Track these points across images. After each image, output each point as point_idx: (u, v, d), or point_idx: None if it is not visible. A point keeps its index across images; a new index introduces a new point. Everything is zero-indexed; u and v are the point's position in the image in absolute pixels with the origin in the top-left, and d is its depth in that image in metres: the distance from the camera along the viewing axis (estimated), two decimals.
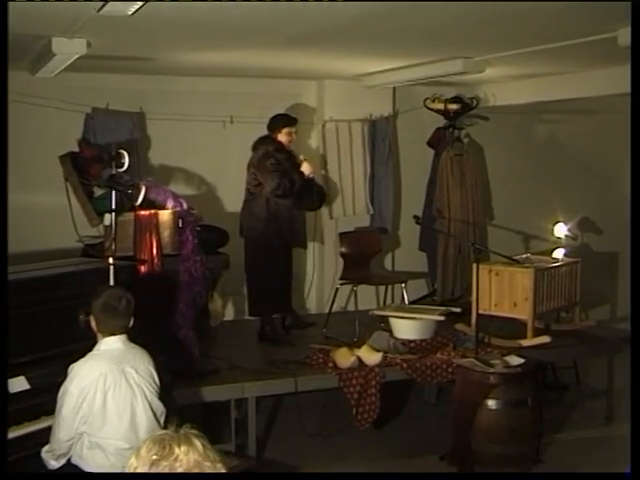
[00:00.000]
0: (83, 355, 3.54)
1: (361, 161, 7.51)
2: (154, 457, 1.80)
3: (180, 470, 1.79)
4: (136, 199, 4.65)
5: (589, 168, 8.43)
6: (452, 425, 5.25)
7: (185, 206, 5.21)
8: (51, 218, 5.92)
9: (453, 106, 7.33)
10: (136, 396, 3.51)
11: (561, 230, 7.32)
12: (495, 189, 8.20)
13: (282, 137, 6.14)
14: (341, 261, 6.90)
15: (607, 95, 6.44)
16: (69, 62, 5.16)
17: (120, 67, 6.23)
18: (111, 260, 4.40)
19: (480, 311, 5.98)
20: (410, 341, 5.90)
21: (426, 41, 5.11)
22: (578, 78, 6.58)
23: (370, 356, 5.47)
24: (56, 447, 3.50)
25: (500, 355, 5.46)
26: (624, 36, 4.29)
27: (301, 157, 6.14)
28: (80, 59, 5.02)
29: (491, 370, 5.15)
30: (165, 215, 5.14)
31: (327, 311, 6.73)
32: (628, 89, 3.07)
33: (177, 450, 1.80)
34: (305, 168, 6.10)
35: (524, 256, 6.66)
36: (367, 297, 7.13)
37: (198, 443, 1.83)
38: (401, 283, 6.86)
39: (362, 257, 6.96)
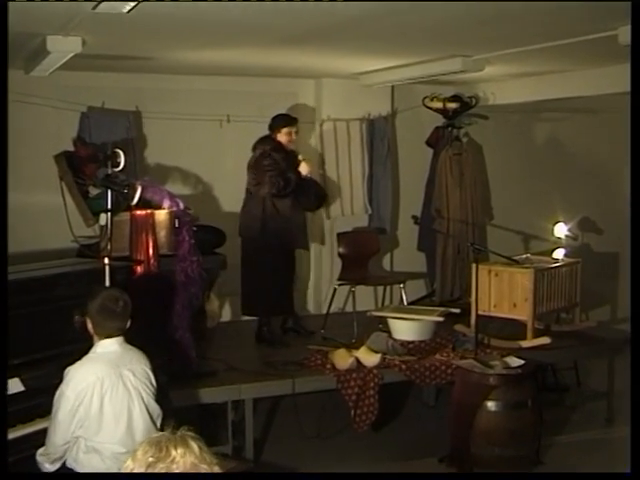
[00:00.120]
0: (79, 357, 3.53)
1: (359, 161, 7.51)
2: (150, 459, 1.80)
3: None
4: (132, 199, 4.65)
5: (589, 167, 8.44)
6: (451, 427, 5.25)
7: (181, 206, 5.21)
8: (46, 218, 5.92)
9: (452, 105, 7.34)
10: (133, 399, 3.50)
11: (561, 230, 7.32)
12: (494, 188, 8.21)
13: (282, 137, 6.14)
14: (339, 261, 6.90)
15: (607, 94, 6.45)
16: (64, 60, 5.16)
17: (116, 65, 6.23)
18: (107, 260, 4.40)
19: (479, 312, 5.98)
20: (409, 342, 5.90)
21: (425, 39, 5.11)
22: (578, 77, 6.58)
23: (368, 357, 5.47)
24: (51, 451, 3.49)
25: (500, 356, 5.47)
26: (624, 34, 4.30)
27: (300, 157, 6.15)
28: (75, 57, 5.01)
29: (491, 371, 5.16)
30: (161, 215, 5.13)
31: (325, 312, 6.73)
32: (628, 88, 3.08)
33: (174, 452, 1.81)
34: (303, 168, 6.11)
35: (524, 256, 6.66)
36: (365, 298, 7.14)
37: (195, 445, 1.84)
38: (400, 284, 6.87)
39: (360, 257, 6.97)
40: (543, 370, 6.40)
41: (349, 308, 6.82)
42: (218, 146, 7.14)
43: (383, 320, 6.22)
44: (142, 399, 3.53)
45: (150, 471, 1.79)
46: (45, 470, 3.54)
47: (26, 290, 4.10)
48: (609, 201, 8.27)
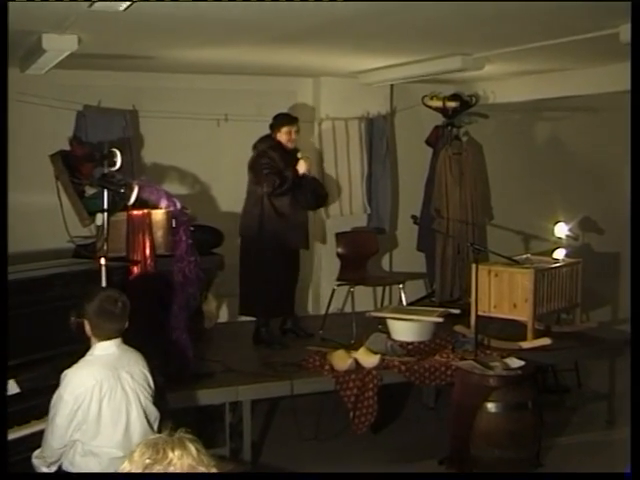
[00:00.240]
0: (75, 358, 3.51)
1: (358, 160, 7.51)
2: (147, 461, 1.80)
3: None
4: (129, 198, 4.64)
5: (590, 167, 8.44)
6: (451, 429, 5.25)
7: (179, 206, 5.21)
8: (42, 218, 5.92)
9: (452, 104, 7.34)
10: (130, 402, 3.48)
11: (562, 230, 7.32)
12: (494, 188, 8.21)
13: (281, 136, 6.14)
14: (338, 262, 6.90)
15: (608, 92, 6.45)
16: (60, 59, 5.15)
17: (112, 64, 6.22)
18: (103, 261, 4.39)
19: (479, 312, 5.98)
20: (408, 343, 5.89)
21: (424, 38, 5.12)
22: (579, 75, 6.58)
23: (367, 358, 5.47)
24: (48, 454, 3.48)
25: (500, 357, 5.47)
26: (626, 32, 4.30)
27: (298, 155, 6.14)
28: (71, 56, 5.01)
29: (491, 373, 5.15)
30: (158, 215, 5.13)
31: (324, 313, 6.73)
32: (629, 86, 3.08)
33: (171, 454, 1.81)
34: (300, 165, 6.10)
35: (524, 256, 6.66)
36: (364, 298, 7.14)
37: (192, 447, 1.84)
38: (399, 284, 6.87)
39: (359, 258, 6.97)
40: (543, 371, 6.40)
41: (348, 309, 6.82)
42: (216, 145, 7.14)
43: (382, 321, 6.22)
44: (140, 402, 3.52)
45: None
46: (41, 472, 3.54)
47: (22, 290, 4.10)
48: (610, 201, 8.28)
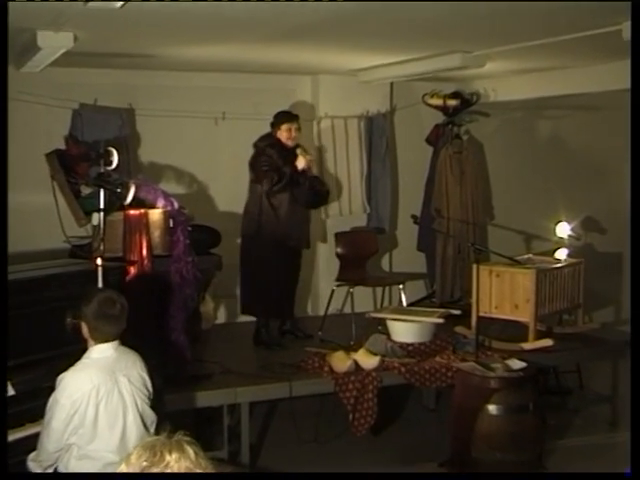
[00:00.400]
0: (70, 360, 3.50)
1: (357, 159, 7.51)
2: (144, 463, 1.80)
3: None
4: (125, 198, 4.64)
5: (592, 166, 8.44)
6: (452, 431, 5.25)
7: (176, 205, 5.21)
8: (37, 218, 5.92)
9: (452, 102, 7.34)
10: (127, 406, 3.46)
11: (564, 230, 7.32)
12: (495, 187, 8.22)
13: (281, 134, 6.13)
14: (337, 262, 6.90)
15: (611, 90, 6.45)
16: (55, 56, 5.15)
17: (109, 62, 6.22)
18: (99, 261, 4.39)
19: (480, 313, 5.98)
20: (408, 344, 5.90)
21: (424, 35, 5.11)
22: (581, 73, 6.59)
23: (367, 360, 5.47)
24: (43, 457, 3.46)
25: (501, 359, 5.47)
26: (628, 30, 4.29)
27: (298, 151, 6.13)
28: (67, 53, 5.01)
29: (492, 374, 5.15)
30: (155, 215, 5.13)
31: (323, 313, 6.73)
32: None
33: (168, 457, 1.81)
34: (299, 162, 6.08)
35: (525, 256, 6.67)
36: (364, 299, 7.13)
37: (190, 450, 1.84)
38: (399, 284, 6.87)
39: (358, 258, 6.98)
40: (545, 373, 6.40)
41: (347, 309, 6.82)
42: (213, 144, 7.14)
43: (382, 322, 6.22)
44: (136, 406, 3.50)
45: None
46: None
47: (17, 291, 4.09)
48: (613, 200, 8.28)
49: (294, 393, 5.28)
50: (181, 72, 6.86)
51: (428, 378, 5.52)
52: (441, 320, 6.02)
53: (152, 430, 3.57)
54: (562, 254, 6.87)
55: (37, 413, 3.61)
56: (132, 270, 4.99)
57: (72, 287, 4.26)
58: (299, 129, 6.22)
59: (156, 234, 5.12)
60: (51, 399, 3.41)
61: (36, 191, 5.46)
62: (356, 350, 5.62)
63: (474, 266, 6.00)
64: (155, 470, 1.79)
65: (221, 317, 7.10)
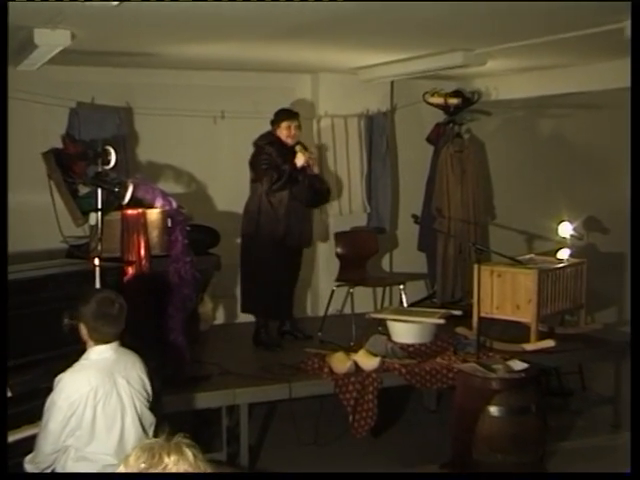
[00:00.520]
0: (67, 361, 3.50)
1: (358, 158, 7.51)
2: (143, 465, 1.80)
3: None
4: (123, 198, 4.64)
5: (595, 165, 8.45)
6: (452, 433, 5.25)
7: (174, 205, 5.21)
8: (34, 218, 5.92)
9: (453, 100, 7.34)
10: (125, 408, 3.45)
11: (566, 229, 7.32)
12: (497, 187, 8.22)
13: (281, 132, 6.13)
14: (337, 262, 6.90)
15: (613, 89, 6.45)
16: (52, 54, 5.15)
17: (106, 60, 6.22)
18: (97, 261, 4.39)
19: (481, 314, 5.98)
20: (409, 345, 5.90)
21: (425, 33, 5.12)
22: (583, 71, 6.59)
23: (367, 361, 5.47)
24: (40, 459, 3.45)
25: (502, 360, 5.47)
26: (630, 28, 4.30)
27: (297, 148, 6.12)
28: (64, 51, 5.01)
29: (493, 375, 5.15)
30: (153, 214, 5.13)
31: (322, 314, 6.73)
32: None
33: (167, 459, 1.81)
34: (298, 159, 6.07)
35: (527, 256, 6.67)
36: (364, 299, 7.13)
37: (189, 453, 1.84)
38: (399, 285, 6.87)
39: (358, 258, 6.98)
40: (547, 374, 6.40)
41: (347, 310, 6.82)
42: (212, 143, 7.14)
43: (382, 322, 6.22)
44: (135, 408, 3.49)
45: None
46: None
47: (14, 291, 4.09)
48: (615, 199, 8.27)
49: (294, 394, 5.28)
50: (180, 70, 6.87)
51: (429, 379, 5.52)
52: (442, 321, 6.03)
53: (151, 432, 3.57)
54: (564, 254, 6.87)
55: (34, 415, 3.60)
56: (130, 270, 4.99)
57: (69, 287, 4.26)
58: (299, 127, 6.21)
59: (154, 234, 5.12)
60: (48, 400, 3.40)
61: (33, 191, 5.47)
62: (356, 351, 5.62)
63: (475, 266, 6.00)
64: (153, 472, 1.80)
65: (220, 318, 7.10)
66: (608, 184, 8.41)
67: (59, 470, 3.47)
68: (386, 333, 6.05)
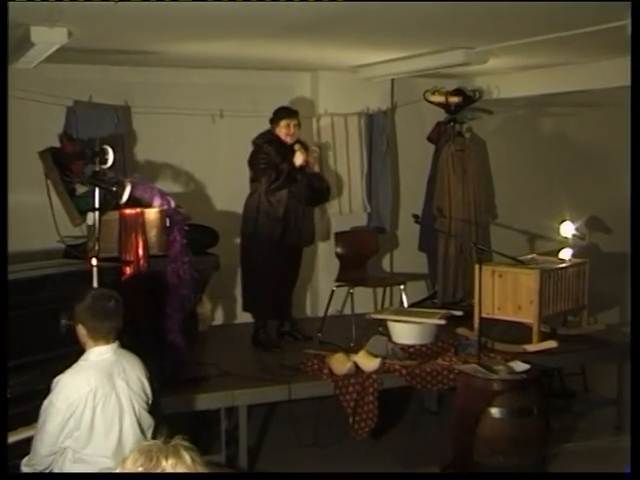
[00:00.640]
0: (65, 362, 3.50)
1: (358, 157, 7.51)
2: (140, 469, 1.80)
3: None
4: (121, 197, 4.64)
5: (597, 164, 8.45)
6: (453, 434, 5.25)
7: (173, 204, 5.21)
8: (31, 217, 5.91)
9: (454, 99, 7.34)
10: (124, 410, 3.44)
11: (568, 229, 7.32)
12: (498, 186, 8.21)
13: (280, 130, 6.13)
14: (337, 262, 6.90)
15: (616, 87, 6.45)
16: (49, 52, 5.14)
17: (104, 58, 6.22)
18: (95, 261, 4.38)
19: (483, 314, 5.97)
20: (409, 346, 5.90)
21: (426, 31, 5.11)
22: (585, 69, 6.58)
23: (367, 362, 5.47)
24: (37, 462, 3.44)
25: (504, 361, 5.47)
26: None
27: (295, 147, 6.12)
28: (61, 49, 5.00)
29: (494, 377, 5.15)
30: (152, 214, 5.13)
31: (322, 314, 6.73)
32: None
33: (164, 463, 1.80)
34: (297, 158, 6.07)
35: (529, 256, 6.67)
36: (364, 300, 7.13)
37: (187, 456, 1.83)
38: (400, 285, 6.87)
39: (358, 258, 6.97)
40: (549, 375, 6.40)
41: (347, 310, 6.82)
42: (211, 142, 7.14)
43: (383, 323, 6.22)
44: (134, 411, 3.48)
45: None
46: None
47: (10, 292, 4.08)
48: (618, 199, 8.26)
49: (293, 396, 5.28)
50: (178, 69, 6.86)
51: (430, 380, 5.52)
52: (443, 321, 6.03)
53: (149, 435, 3.56)
54: (566, 254, 6.87)
55: (31, 417, 3.60)
56: (128, 270, 4.99)
57: (67, 288, 4.25)
58: (298, 125, 6.20)
59: (152, 234, 5.12)
60: (46, 402, 3.39)
61: (30, 190, 5.46)
62: (356, 352, 5.62)
63: (476, 266, 5.99)
64: None
65: (219, 318, 7.10)
66: (610, 183, 8.40)
67: (56, 471, 3.46)
68: (386, 334, 6.05)
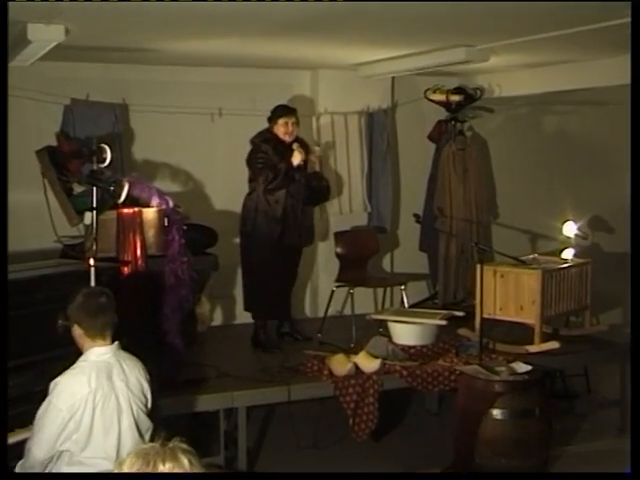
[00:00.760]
0: (63, 363, 3.48)
1: (358, 156, 7.50)
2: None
3: None
4: (119, 196, 4.64)
5: (600, 163, 8.44)
6: (455, 436, 5.25)
7: (171, 204, 5.21)
8: (27, 217, 5.90)
9: (456, 97, 7.34)
10: (122, 412, 3.43)
11: (570, 229, 7.32)
12: (500, 185, 8.21)
13: (278, 129, 6.12)
14: (337, 262, 6.89)
15: (618, 85, 6.44)
16: (46, 50, 5.14)
17: (101, 56, 6.21)
18: (92, 261, 4.38)
19: (484, 315, 5.96)
20: (410, 347, 5.90)
21: (427, 28, 5.10)
22: (587, 67, 6.58)
23: (368, 363, 5.46)
24: (32, 465, 3.40)
25: (506, 362, 5.46)
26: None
27: (293, 146, 6.11)
28: (58, 47, 5.00)
29: (496, 378, 5.15)
30: (150, 213, 5.13)
31: (322, 315, 6.72)
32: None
33: (161, 467, 1.80)
34: (295, 157, 6.06)
35: (531, 256, 6.66)
36: (364, 300, 7.13)
37: (185, 460, 1.83)
38: (400, 285, 6.87)
39: (359, 258, 6.97)
40: (551, 376, 6.40)
41: (347, 311, 6.82)
42: (209, 141, 7.13)
43: (383, 324, 6.22)
44: (132, 412, 3.47)
45: None
46: None
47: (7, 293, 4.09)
48: (620, 198, 8.25)
49: (293, 397, 5.28)
50: (176, 67, 6.86)
51: (430, 382, 5.52)
52: (444, 322, 6.02)
53: (147, 437, 3.55)
54: (569, 254, 6.87)
55: (26, 418, 3.58)
56: (126, 270, 4.98)
57: (64, 288, 4.23)
58: (297, 123, 6.18)
59: (150, 233, 5.12)
60: (45, 404, 3.36)
61: (26, 189, 5.45)
62: (356, 353, 5.62)
63: (478, 266, 5.98)
64: None
65: (217, 319, 7.10)
66: (613, 182, 8.40)
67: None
68: (387, 334, 6.05)
